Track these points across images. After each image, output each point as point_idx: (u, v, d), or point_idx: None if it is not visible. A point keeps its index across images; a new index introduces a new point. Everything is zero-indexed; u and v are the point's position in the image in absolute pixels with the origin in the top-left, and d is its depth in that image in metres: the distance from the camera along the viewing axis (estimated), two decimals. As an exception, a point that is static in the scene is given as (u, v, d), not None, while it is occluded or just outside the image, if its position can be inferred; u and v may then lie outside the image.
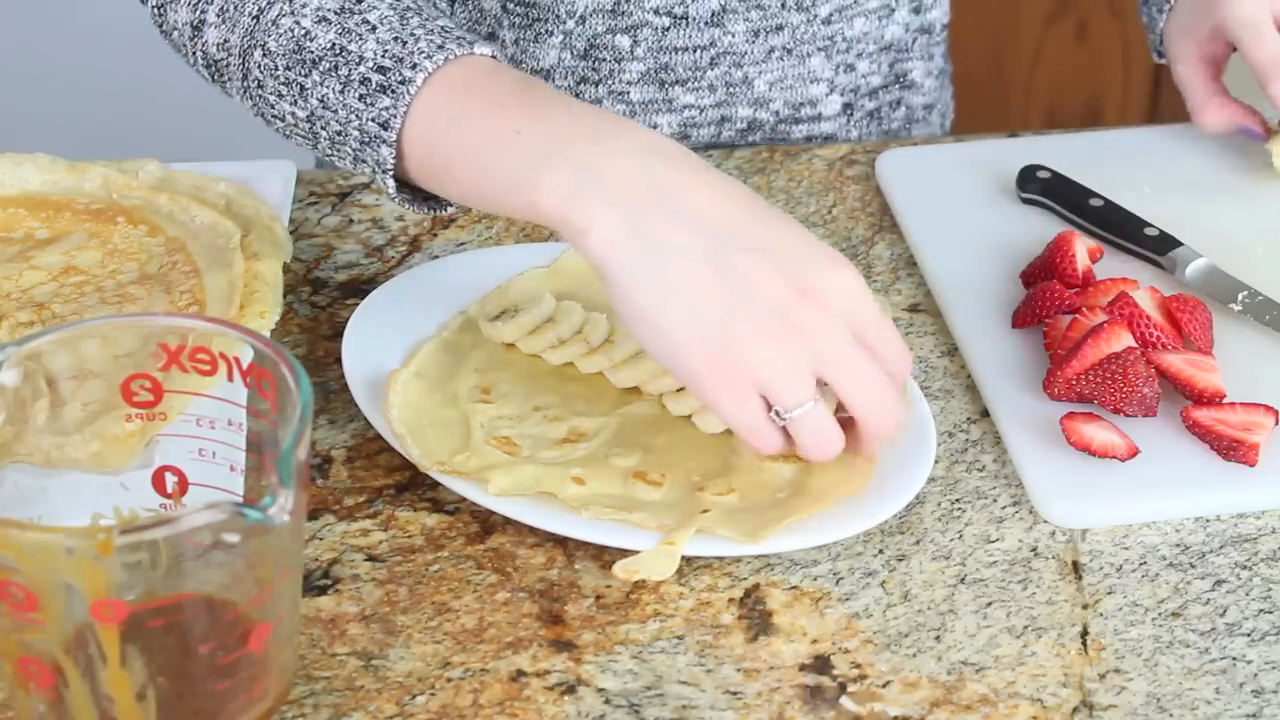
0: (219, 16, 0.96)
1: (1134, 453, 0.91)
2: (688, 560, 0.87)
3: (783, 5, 1.19)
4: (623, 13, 1.17)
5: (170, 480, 0.81)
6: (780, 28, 1.20)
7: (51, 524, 0.73)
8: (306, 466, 0.75)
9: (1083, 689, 0.81)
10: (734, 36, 1.19)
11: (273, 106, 0.94)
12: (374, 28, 0.91)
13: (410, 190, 0.93)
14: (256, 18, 0.94)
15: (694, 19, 1.18)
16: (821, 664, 0.82)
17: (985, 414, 0.96)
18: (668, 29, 1.18)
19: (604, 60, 1.19)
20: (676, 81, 1.20)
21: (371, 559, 0.87)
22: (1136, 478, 0.90)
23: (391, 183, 0.91)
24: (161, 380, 0.80)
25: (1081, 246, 1.02)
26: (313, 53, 0.91)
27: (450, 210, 0.95)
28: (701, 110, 1.21)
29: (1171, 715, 0.80)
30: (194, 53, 0.98)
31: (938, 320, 1.03)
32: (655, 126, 1.21)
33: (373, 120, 0.90)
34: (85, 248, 1.02)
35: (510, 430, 0.92)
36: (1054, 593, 0.86)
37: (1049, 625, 0.84)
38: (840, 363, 0.83)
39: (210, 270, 0.99)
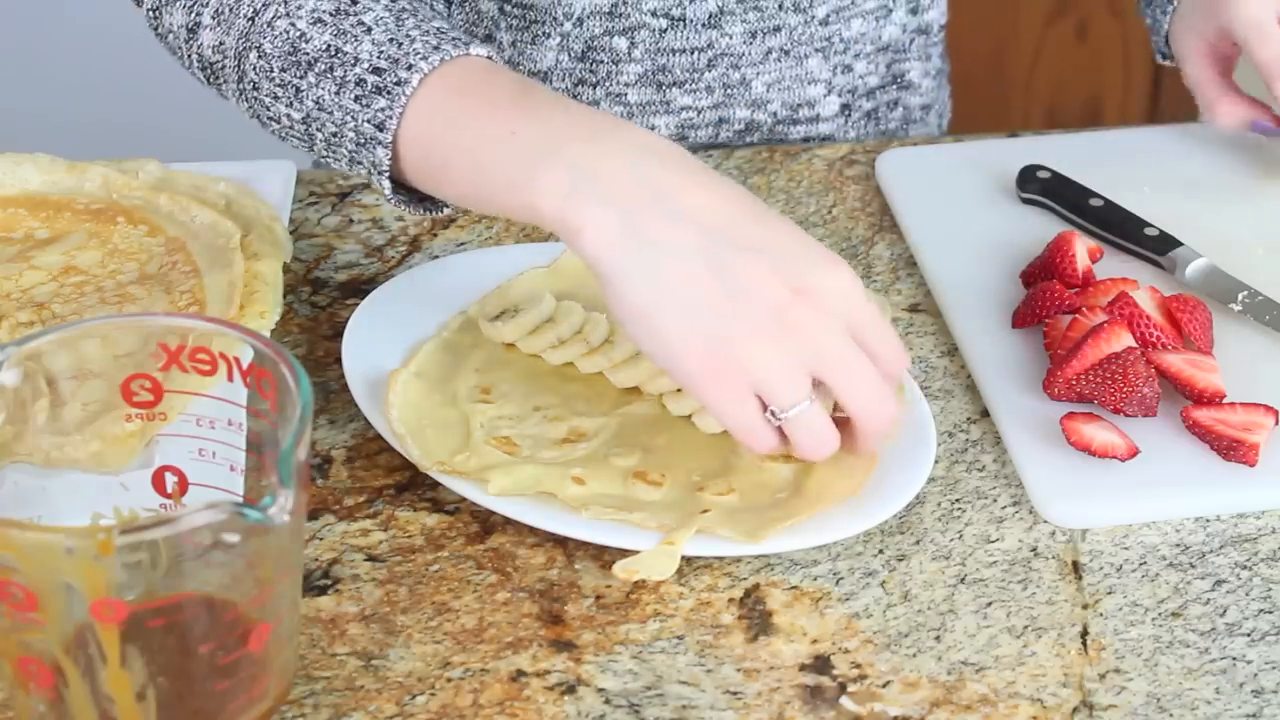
0: (214, 19, 0.96)
1: (1134, 453, 0.91)
2: (688, 560, 0.87)
3: (780, 6, 1.19)
4: (620, 15, 1.17)
5: (170, 480, 0.81)
6: (778, 29, 1.20)
7: (51, 524, 0.73)
8: (306, 466, 0.75)
9: (1083, 689, 0.81)
10: (731, 38, 1.19)
11: (268, 108, 0.94)
12: (369, 29, 0.91)
13: (406, 192, 0.93)
14: (251, 20, 0.94)
15: (691, 21, 1.18)
16: (821, 664, 0.82)
17: (985, 414, 0.96)
18: (665, 31, 1.18)
19: (601, 62, 1.19)
20: (674, 83, 1.20)
21: (371, 559, 0.87)
22: (1136, 478, 0.90)
23: (387, 184, 0.91)
24: (161, 380, 0.80)
25: (1081, 246, 1.02)
26: (308, 54, 0.91)
27: (446, 212, 0.95)
28: (699, 112, 1.21)
29: (1171, 715, 0.80)
30: (189, 55, 0.98)
31: (938, 320, 1.03)
32: (653, 128, 1.21)
33: (368, 122, 0.90)
34: (85, 248, 1.02)
35: (510, 430, 0.92)
36: (1054, 593, 0.86)
37: (1049, 625, 0.84)
38: (836, 362, 0.83)
39: (210, 270, 0.99)
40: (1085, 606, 0.85)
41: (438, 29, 0.91)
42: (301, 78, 0.92)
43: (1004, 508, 0.91)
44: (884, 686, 0.81)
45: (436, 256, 1.07)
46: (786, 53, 1.21)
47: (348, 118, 0.90)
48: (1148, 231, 1.06)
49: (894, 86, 1.27)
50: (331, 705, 0.80)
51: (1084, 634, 0.84)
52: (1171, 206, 1.09)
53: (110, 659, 0.71)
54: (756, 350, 0.82)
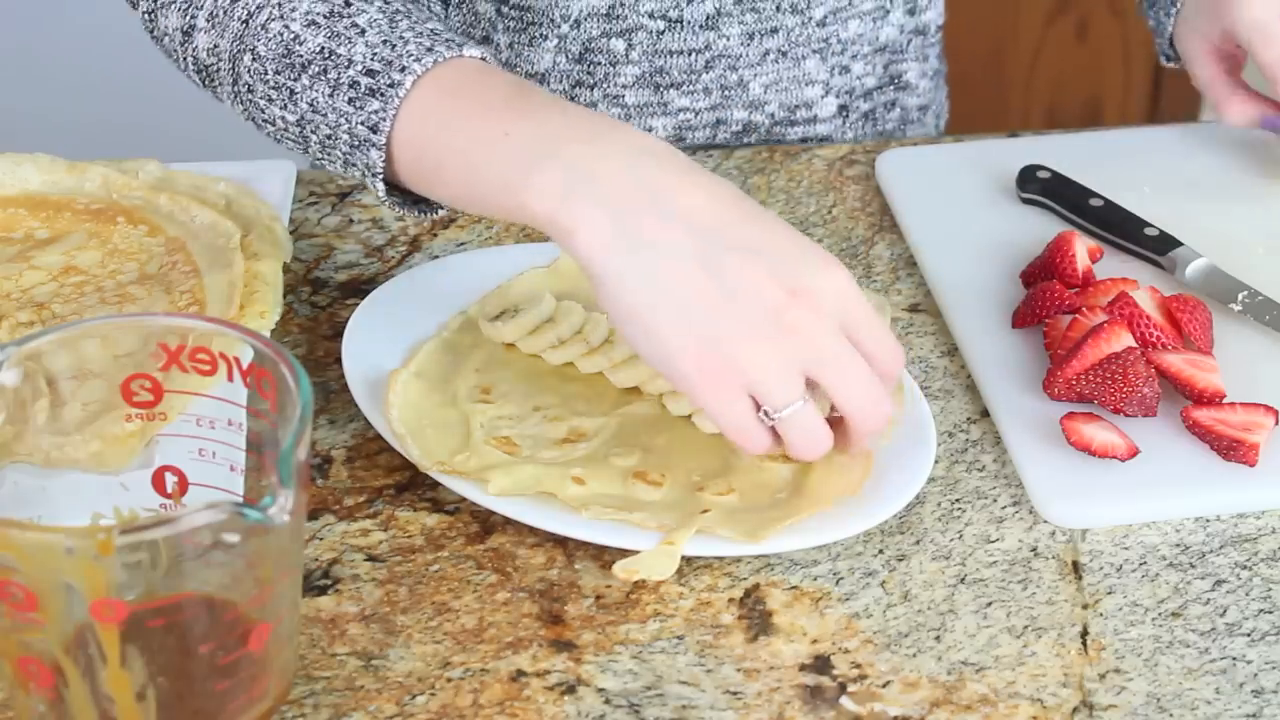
0: (209, 21, 0.96)
1: (1134, 453, 0.91)
2: (688, 560, 0.87)
3: (778, 8, 1.19)
4: (617, 16, 1.17)
5: (170, 480, 0.81)
6: (775, 30, 1.20)
7: (51, 524, 0.73)
8: (306, 466, 0.75)
9: (1083, 689, 0.81)
10: (729, 40, 1.19)
11: (263, 111, 0.94)
12: (363, 31, 0.91)
13: (401, 194, 0.93)
14: (246, 22, 0.94)
15: (689, 22, 1.18)
16: (821, 664, 0.82)
17: (985, 414, 0.96)
18: (662, 33, 1.18)
19: (599, 64, 1.19)
20: (671, 85, 1.20)
21: (371, 559, 0.87)
22: (1136, 478, 0.90)
23: (381, 186, 0.91)
24: (161, 380, 0.80)
25: (1081, 246, 1.02)
26: (302, 57, 0.91)
27: (441, 213, 0.95)
28: (697, 113, 1.21)
29: (1171, 715, 0.80)
30: (185, 58, 0.98)
31: (938, 320, 1.03)
32: (650, 130, 1.21)
33: (362, 124, 0.89)
34: (85, 248, 1.02)
35: (510, 430, 0.92)
36: (1054, 593, 0.86)
37: (1049, 625, 0.84)
38: (830, 363, 0.83)
39: (210, 270, 0.99)
40: (1085, 606, 0.85)
41: (431, 31, 0.91)
42: (295, 80, 0.92)
43: (1004, 508, 0.91)
44: (884, 686, 0.81)
45: (436, 256, 1.07)
46: (784, 54, 1.21)
47: (342, 120, 0.90)
48: (1148, 231, 1.06)
49: (891, 87, 1.26)
50: (331, 705, 0.80)
51: (1084, 634, 0.84)
52: (1171, 206, 1.09)
53: (110, 659, 0.71)
54: (750, 350, 0.82)
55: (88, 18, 2.32)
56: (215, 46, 0.95)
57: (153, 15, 0.99)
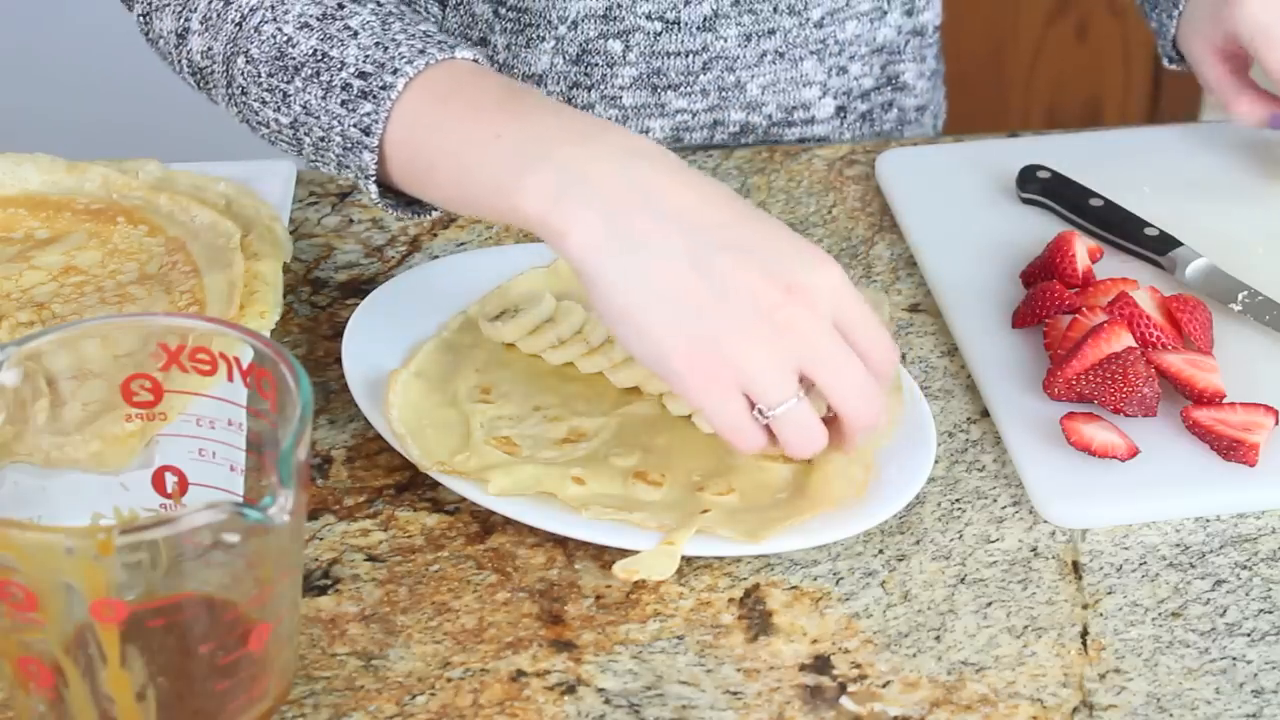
0: (202, 24, 0.96)
1: (1134, 453, 0.91)
2: (688, 560, 0.87)
3: (775, 9, 1.19)
4: (615, 18, 1.17)
5: (170, 480, 0.81)
6: (772, 31, 1.20)
7: (51, 524, 0.73)
8: (306, 466, 0.75)
9: (1083, 689, 0.81)
10: (726, 41, 1.19)
11: (257, 113, 0.94)
12: (355, 33, 0.91)
13: (394, 195, 0.93)
14: (239, 25, 0.94)
15: (686, 24, 1.18)
16: (821, 664, 0.82)
17: (985, 414, 0.96)
18: (660, 34, 1.18)
19: (596, 65, 1.19)
20: (669, 86, 1.20)
21: (371, 559, 0.87)
22: (1136, 478, 0.90)
23: (374, 188, 0.91)
24: (161, 380, 0.80)
25: (1081, 246, 1.02)
26: (295, 59, 0.91)
27: (434, 215, 0.95)
28: (694, 115, 1.21)
29: (1171, 715, 0.80)
30: (179, 60, 0.98)
31: (938, 320, 1.03)
32: (647, 131, 1.21)
33: (354, 126, 0.89)
34: (85, 248, 1.02)
35: (510, 430, 0.92)
36: (1054, 593, 0.86)
37: (1049, 625, 0.84)
38: (824, 361, 0.83)
39: (210, 270, 0.99)
40: (1085, 606, 0.85)
41: (424, 33, 0.91)
42: (288, 82, 0.92)
43: (1004, 508, 0.91)
44: (884, 686, 0.81)
45: (436, 256, 1.07)
46: (781, 55, 1.21)
47: (334, 122, 0.90)
48: (1148, 231, 1.06)
49: (889, 88, 1.26)
50: (331, 705, 0.80)
51: (1084, 634, 0.84)
52: (1171, 206, 1.09)
53: (110, 659, 0.71)
54: (743, 349, 0.82)
55: (88, 18, 2.32)
56: (209, 49, 0.95)
57: (148, 18, 0.99)
